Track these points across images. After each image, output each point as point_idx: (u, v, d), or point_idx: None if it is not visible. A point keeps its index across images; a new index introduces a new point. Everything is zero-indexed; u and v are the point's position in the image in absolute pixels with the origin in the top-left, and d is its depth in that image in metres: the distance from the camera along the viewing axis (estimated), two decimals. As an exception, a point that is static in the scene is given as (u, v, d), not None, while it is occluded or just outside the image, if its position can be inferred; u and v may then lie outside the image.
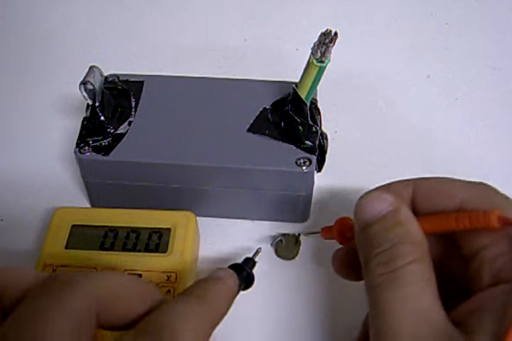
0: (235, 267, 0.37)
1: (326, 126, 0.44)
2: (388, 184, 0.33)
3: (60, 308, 0.24)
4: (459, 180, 0.32)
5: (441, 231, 0.30)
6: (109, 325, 0.26)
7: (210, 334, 0.27)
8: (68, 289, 0.25)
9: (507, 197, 0.30)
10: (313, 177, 0.40)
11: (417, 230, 0.30)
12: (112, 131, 0.41)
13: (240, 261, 0.36)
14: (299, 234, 0.41)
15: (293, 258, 0.41)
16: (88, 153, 0.40)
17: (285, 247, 0.41)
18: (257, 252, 0.38)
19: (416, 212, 0.31)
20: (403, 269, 0.28)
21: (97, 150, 0.40)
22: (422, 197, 0.31)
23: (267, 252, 0.41)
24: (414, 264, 0.28)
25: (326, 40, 0.36)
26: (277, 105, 0.42)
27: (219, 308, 0.28)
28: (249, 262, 0.37)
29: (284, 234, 0.42)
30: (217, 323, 0.28)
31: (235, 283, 0.31)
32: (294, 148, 0.40)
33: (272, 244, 0.41)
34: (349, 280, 0.35)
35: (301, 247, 0.41)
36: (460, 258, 0.30)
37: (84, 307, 0.25)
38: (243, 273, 0.35)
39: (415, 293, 0.27)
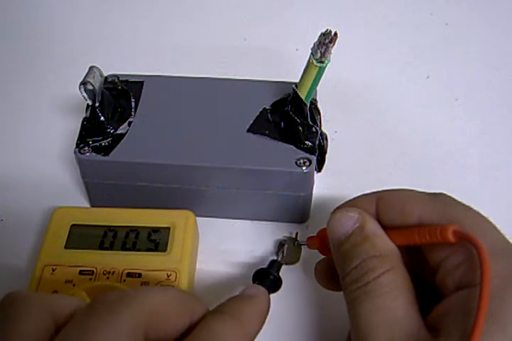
0: (261, 272, 0.37)
1: (326, 126, 0.44)
2: (354, 198, 0.34)
3: (108, 328, 0.24)
4: (418, 194, 0.32)
5: (408, 244, 0.31)
6: (156, 340, 0.27)
7: None
8: (115, 309, 0.25)
9: (466, 207, 0.31)
10: (313, 177, 0.40)
11: (384, 242, 0.31)
12: (111, 131, 0.41)
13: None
14: (297, 233, 0.41)
15: (295, 262, 0.40)
16: (88, 154, 0.40)
17: (287, 252, 0.40)
18: (281, 248, 0.40)
19: (382, 225, 0.32)
20: (374, 282, 0.30)
21: (97, 150, 0.40)
22: (383, 212, 0.33)
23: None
24: (384, 276, 0.30)
25: (326, 40, 0.36)
26: (277, 105, 0.42)
27: (253, 327, 0.29)
28: (275, 265, 0.38)
29: (285, 239, 0.41)
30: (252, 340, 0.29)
31: (267, 300, 0.31)
32: (294, 148, 0.40)
33: (278, 253, 0.40)
34: (330, 291, 0.36)
35: (302, 251, 0.41)
36: (429, 267, 0.31)
37: (132, 326, 0.25)
38: (270, 277, 0.37)
39: (387, 303, 0.29)
